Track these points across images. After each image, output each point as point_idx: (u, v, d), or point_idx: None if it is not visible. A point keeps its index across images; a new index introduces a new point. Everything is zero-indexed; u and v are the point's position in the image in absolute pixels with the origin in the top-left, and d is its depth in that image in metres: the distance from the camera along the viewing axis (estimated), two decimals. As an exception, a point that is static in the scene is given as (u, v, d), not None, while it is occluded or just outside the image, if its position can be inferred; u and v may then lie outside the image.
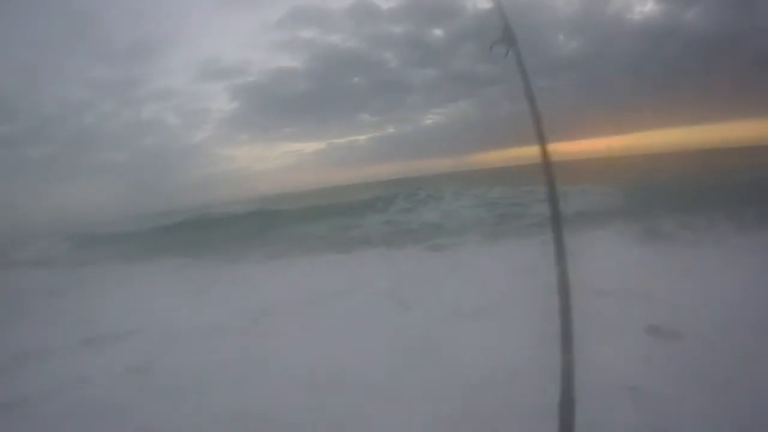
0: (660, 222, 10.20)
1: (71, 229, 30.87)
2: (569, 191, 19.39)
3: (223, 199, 64.40)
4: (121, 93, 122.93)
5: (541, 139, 1.91)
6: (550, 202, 1.89)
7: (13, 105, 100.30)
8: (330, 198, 32.95)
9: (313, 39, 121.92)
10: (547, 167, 1.89)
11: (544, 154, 1.90)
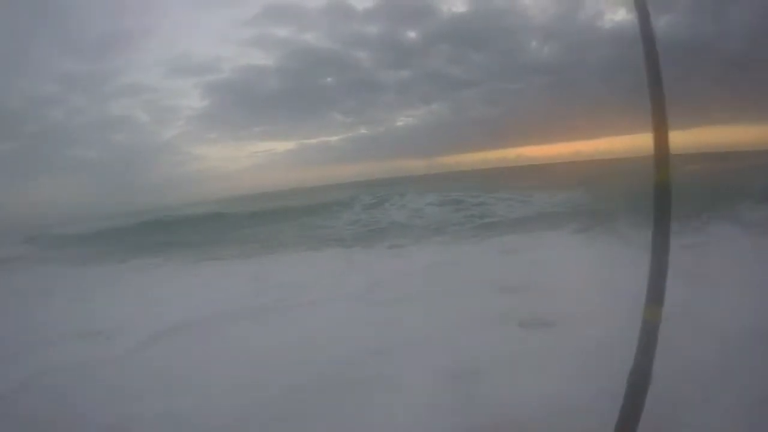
0: (615, 224, 10.84)
1: (36, 229, 30.17)
2: (534, 195, 20.33)
3: (193, 198, 63.60)
4: (90, 87, 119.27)
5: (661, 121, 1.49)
6: (657, 199, 1.64)
7: None
8: (298, 199, 33.20)
9: (287, 37, 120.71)
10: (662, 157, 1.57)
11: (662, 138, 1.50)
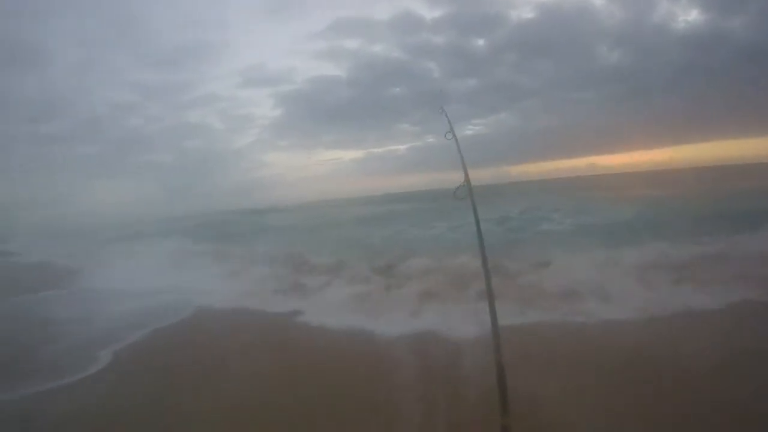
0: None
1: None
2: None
3: (264, 203, 66.84)
4: (168, 96, 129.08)
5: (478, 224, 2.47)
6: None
7: (65, 104, 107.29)
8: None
9: (357, 49, 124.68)
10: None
11: (479, 232, 2.40)
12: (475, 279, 8.05)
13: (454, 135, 3.05)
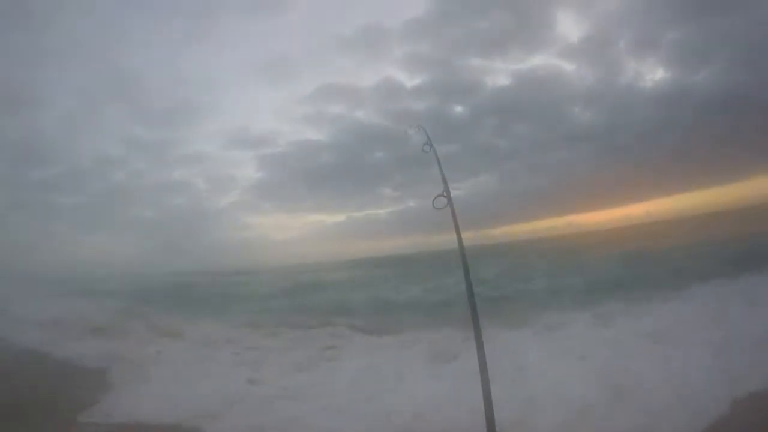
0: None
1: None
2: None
3: (246, 265, 65.11)
4: (153, 153, 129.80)
5: (459, 235, 2.58)
6: (466, 282, 2.45)
7: (51, 151, 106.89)
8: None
9: (340, 114, 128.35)
10: (463, 254, 2.51)
11: (460, 243, 2.50)
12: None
13: (432, 145, 3.34)
